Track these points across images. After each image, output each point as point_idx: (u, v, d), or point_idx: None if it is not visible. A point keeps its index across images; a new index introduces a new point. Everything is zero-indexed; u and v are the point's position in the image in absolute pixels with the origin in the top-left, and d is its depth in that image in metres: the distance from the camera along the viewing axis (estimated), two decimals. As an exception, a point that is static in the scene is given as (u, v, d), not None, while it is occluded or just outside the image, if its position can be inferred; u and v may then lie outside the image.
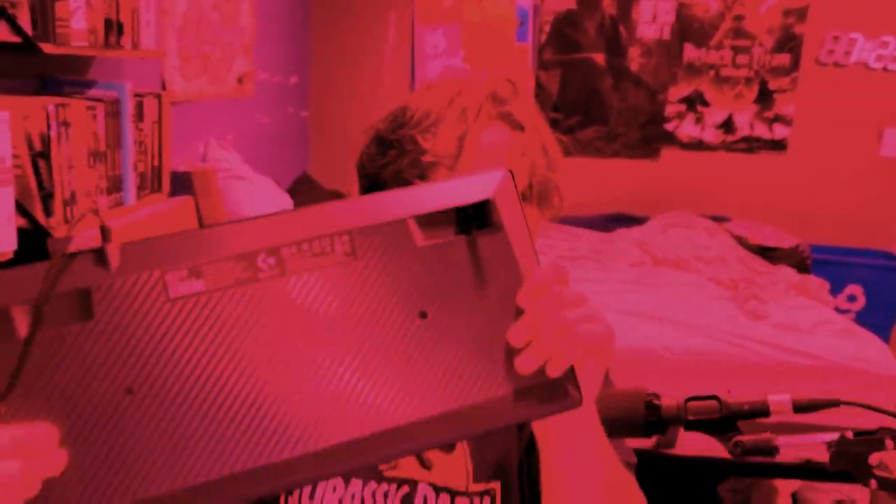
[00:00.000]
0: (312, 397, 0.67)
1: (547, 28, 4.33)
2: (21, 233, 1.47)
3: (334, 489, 1.02)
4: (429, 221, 0.70)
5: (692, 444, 2.62)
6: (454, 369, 0.69)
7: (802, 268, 3.69)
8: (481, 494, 1.03)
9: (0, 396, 0.61)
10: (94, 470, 0.63)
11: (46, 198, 1.56)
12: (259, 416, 0.66)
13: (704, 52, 4.27)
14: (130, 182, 1.88)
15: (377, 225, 0.69)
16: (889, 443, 0.86)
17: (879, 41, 4.15)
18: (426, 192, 0.73)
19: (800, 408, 0.93)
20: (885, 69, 4.17)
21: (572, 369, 0.71)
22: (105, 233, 0.68)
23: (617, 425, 0.98)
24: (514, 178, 0.73)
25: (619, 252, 3.70)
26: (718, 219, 4.09)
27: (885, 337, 3.76)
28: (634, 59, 4.32)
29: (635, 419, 0.99)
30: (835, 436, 0.92)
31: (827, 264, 3.87)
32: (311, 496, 1.01)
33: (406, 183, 1.04)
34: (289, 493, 1.01)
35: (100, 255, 0.67)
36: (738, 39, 4.24)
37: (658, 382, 1.28)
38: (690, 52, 4.27)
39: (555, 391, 0.71)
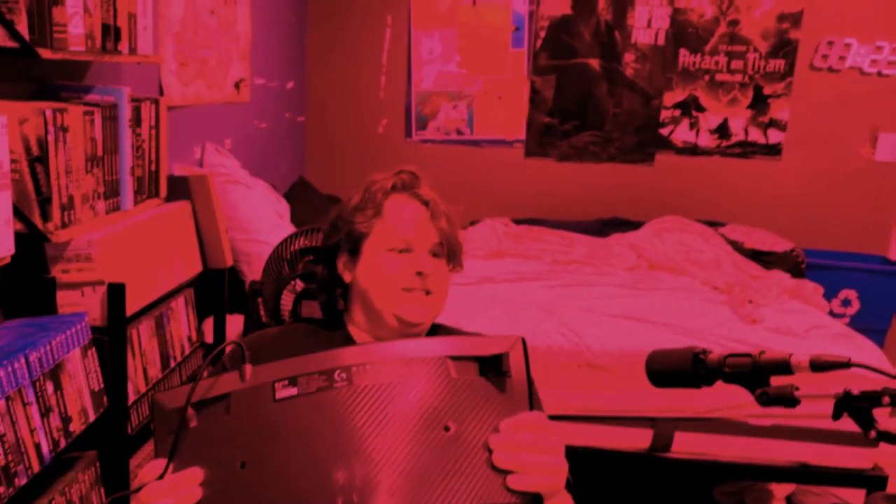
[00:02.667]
0: (364, 468, 0.95)
1: (542, 33, 4.34)
2: (18, 237, 1.47)
3: None
4: (461, 362, 1.01)
5: (687, 447, 2.63)
6: (461, 471, 0.96)
7: (797, 272, 3.70)
8: None
9: (167, 464, 1.00)
10: None
11: (44, 202, 1.57)
12: (326, 478, 0.95)
13: (699, 58, 4.29)
14: (128, 187, 1.88)
15: (424, 358, 1.01)
16: (886, 399, 1.02)
17: (874, 46, 4.17)
18: (462, 341, 1.04)
19: (816, 366, 1.06)
20: (879, 74, 4.19)
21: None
22: (244, 356, 1.05)
23: (669, 375, 1.20)
24: (525, 343, 1.04)
25: (614, 256, 3.71)
26: (713, 223, 4.10)
27: (880, 341, 3.78)
28: (629, 65, 4.34)
29: (685, 370, 1.18)
30: (841, 391, 1.07)
31: (821, 268, 3.88)
32: None
33: (352, 248, 1.50)
34: None
35: (241, 372, 1.04)
36: (732, 45, 4.26)
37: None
38: (685, 57, 4.29)
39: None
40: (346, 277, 1.53)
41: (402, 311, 1.46)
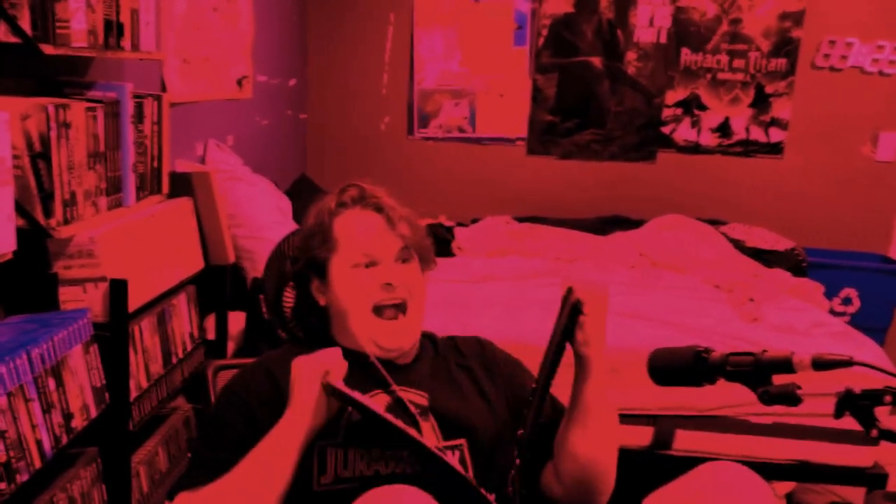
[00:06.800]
0: None
1: (545, 32, 4.34)
2: (20, 233, 1.47)
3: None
4: None
5: (689, 445, 2.63)
6: None
7: (798, 271, 3.70)
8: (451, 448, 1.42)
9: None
10: None
11: (46, 198, 1.57)
12: None
13: (701, 56, 4.28)
14: (130, 183, 1.88)
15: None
16: (888, 398, 1.02)
17: (875, 45, 4.16)
18: None
19: (818, 364, 1.06)
20: (880, 73, 4.19)
21: None
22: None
23: (671, 374, 1.23)
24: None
25: (616, 254, 3.71)
26: (714, 222, 4.10)
27: (880, 339, 3.78)
28: (631, 63, 4.33)
29: (687, 368, 1.19)
30: (843, 390, 1.06)
31: (822, 267, 3.88)
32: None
33: (319, 274, 1.51)
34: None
35: None
36: (734, 43, 4.25)
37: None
38: (687, 55, 4.29)
39: None
40: (321, 301, 1.52)
41: (379, 338, 1.45)
